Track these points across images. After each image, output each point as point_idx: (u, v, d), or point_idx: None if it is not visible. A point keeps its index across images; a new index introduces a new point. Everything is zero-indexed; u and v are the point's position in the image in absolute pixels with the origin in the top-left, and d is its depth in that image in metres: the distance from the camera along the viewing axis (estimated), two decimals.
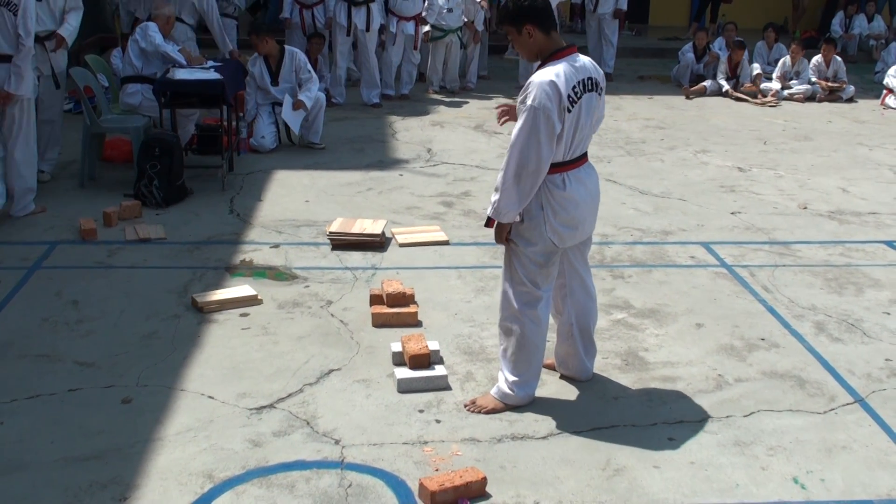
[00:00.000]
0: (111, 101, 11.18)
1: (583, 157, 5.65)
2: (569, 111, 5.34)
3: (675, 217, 9.64)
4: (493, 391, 5.87)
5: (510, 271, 5.72)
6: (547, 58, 5.47)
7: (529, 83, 5.35)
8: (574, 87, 5.35)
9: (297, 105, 11.90)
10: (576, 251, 5.87)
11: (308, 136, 12.20)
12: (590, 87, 5.46)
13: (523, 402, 5.84)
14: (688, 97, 16.46)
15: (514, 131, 5.37)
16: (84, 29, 11.10)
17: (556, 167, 5.46)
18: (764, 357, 6.58)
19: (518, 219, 5.54)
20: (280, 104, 12.04)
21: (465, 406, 5.85)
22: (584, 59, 5.53)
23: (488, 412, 5.78)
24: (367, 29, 14.75)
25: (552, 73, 5.32)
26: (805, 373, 6.38)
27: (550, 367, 6.28)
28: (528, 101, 5.31)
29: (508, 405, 5.81)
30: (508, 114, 5.88)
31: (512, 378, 5.79)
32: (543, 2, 5.49)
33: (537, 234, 5.56)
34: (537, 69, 5.46)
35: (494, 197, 5.48)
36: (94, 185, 10.24)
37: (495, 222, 5.60)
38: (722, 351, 6.65)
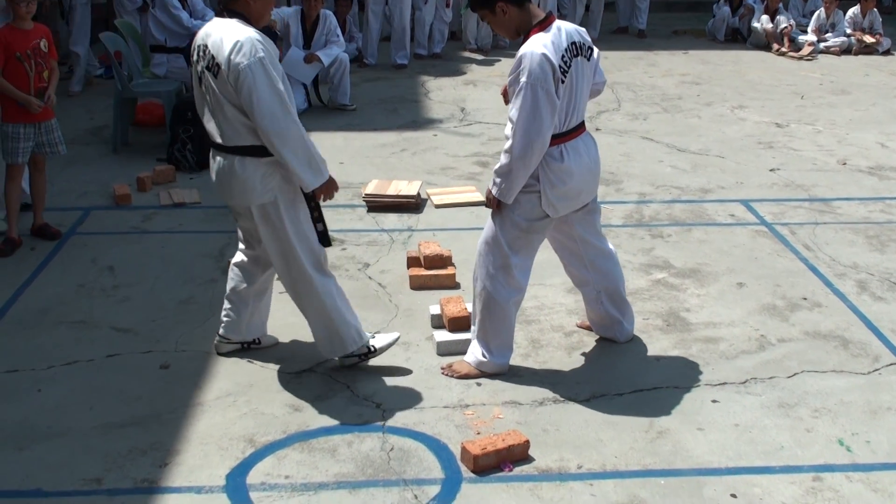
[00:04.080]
0: (142, 64, 11.12)
1: (580, 127, 5.52)
2: (562, 82, 5.23)
3: (713, 174, 9.53)
4: (468, 357, 5.80)
5: (490, 232, 5.58)
6: (528, 31, 5.35)
7: (521, 58, 5.22)
8: (563, 55, 5.23)
9: (311, 58, 11.79)
10: (583, 224, 5.75)
11: (337, 98, 12.12)
12: (575, 53, 5.32)
13: (496, 370, 5.74)
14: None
15: (513, 111, 5.26)
16: None
17: (554, 139, 5.33)
18: (807, 317, 6.50)
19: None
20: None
21: (442, 369, 5.80)
22: (566, 26, 5.38)
23: (461, 377, 5.72)
24: None
25: (540, 45, 5.20)
26: (848, 333, 6.30)
27: (587, 329, 6.24)
28: (523, 78, 5.18)
29: (483, 372, 5.73)
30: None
31: (483, 344, 5.72)
32: None
33: (526, 200, 5.44)
34: (522, 44, 5.34)
35: (497, 180, 5.40)
36: (127, 150, 10.22)
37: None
38: (764, 311, 6.57)
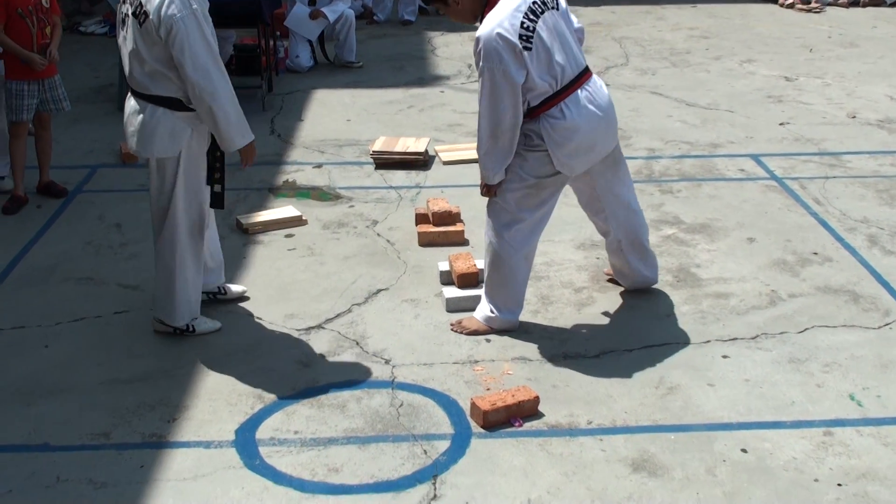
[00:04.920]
0: None
1: (579, 78, 5.39)
2: (528, 49, 5.14)
3: (723, 129, 9.47)
4: (476, 313, 5.78)
5: (499, 189, 5.54)
6: (483, 11, 5.29)
7: (478, 40, 5.17)
8: (522, 23, 5.13)
9: (316, 14, 11.69)
10: (606, 177, 5.68)
11: (343, 55, 12.04)
12: (541, 10, 5.22)
13: (504, 326, 5.72)
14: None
15: (480, 95, 5.26)
16: None
17: (551, 100, 5.28)
18: (817, 272, 6.47)
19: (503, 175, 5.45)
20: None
21: (451, 326, 5.79)
22: None
23: (470, 333, 5.71)
24: None
25: (495, 23, 5.13)
26: (859, 287, 6.27)
27: (611, 277, 6.26)
28: (481, 62, 5.16)
29: (493, 328, 5.72)
30: None
31: (490, 300, 5.70)
32: None
33: (533, 158, 5.40)
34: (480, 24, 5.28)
35: (480, 162, 5.42)
36: None
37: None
38: (774, 266, 6.54)
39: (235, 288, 6.12)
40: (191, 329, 5.69)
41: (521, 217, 5.50)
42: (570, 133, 5.30)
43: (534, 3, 5.20)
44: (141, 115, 5.32)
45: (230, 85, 5.23)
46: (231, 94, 5.21)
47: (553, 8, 5.30)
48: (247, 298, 6.12)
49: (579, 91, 5.36)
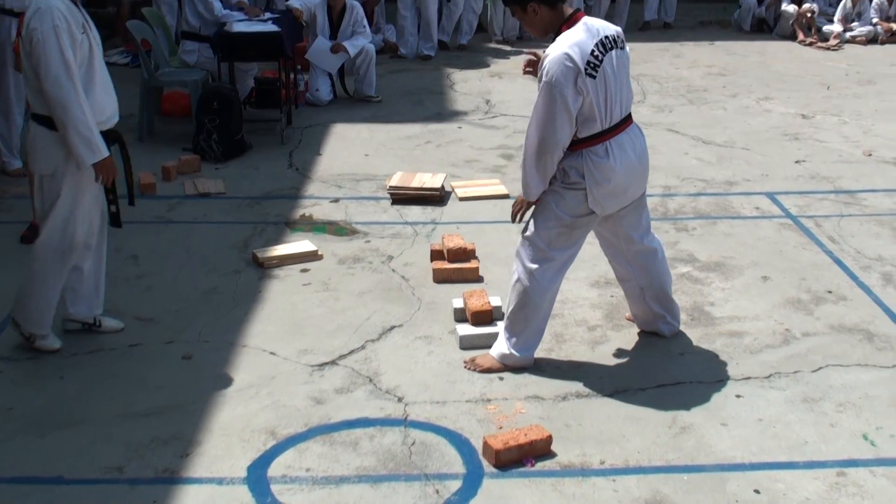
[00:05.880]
0: (169, 53, 11.12)
1: (625, 121, 5.47)
2: (592, 76, 5.19)
3: (738, 167, 9.47)
4: (492, 350, 5.78)
5: (532, 226, 5.57)
6: (558, 30, 5.33)
7: (546, 56, 5.23)
8: (592, 51, 5.18)
9: (337, 48, 11.76)
10: (629, 220, 5.69)
11: (362, 89, 12.10)
12: (610, 46, 5.28)
13: (521, 363, 5.72)
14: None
15: (533, 108, 5.32)
16: None
17: (598, 137, 5.33)
18: (831, 310, 6.46)
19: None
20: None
21: (465, 363, 5.79)
22: (595, 22, 5.36)
23: (483, 371, 5.70)
24: None
25: (566, 45, 5.17)
26: (873, 326, 6.26)
27: (631, 321, 6.25)
28: (545, 78, 5.20)
29: (507, 366, 5.71)
30: (533, 67, 5.63)
31: (510, 337, 5.70)
32: None
33: (571, 196, 5.43)
34: (551, 43, 5.33)
35: (523, 176, 5.48)
36: (153, 139, 10.24)
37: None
38: (789, 304, 6.54)
39: (111, 322, 6.19)
40: (31, 341, 5.84)
41: (552, 256, 5.53)
42: (610, 174, 5.35)
43: (605, 37, 5.27)
44: (27, 133, 5.65)
45: (83, 101, 5.37)
46: (81, 110, 5.36)
47: (620, 48, 5.37)
48: (120, 331, 6.18)
49: (623, 134, 5.43)
